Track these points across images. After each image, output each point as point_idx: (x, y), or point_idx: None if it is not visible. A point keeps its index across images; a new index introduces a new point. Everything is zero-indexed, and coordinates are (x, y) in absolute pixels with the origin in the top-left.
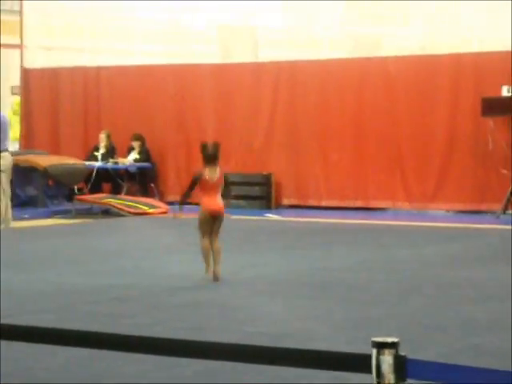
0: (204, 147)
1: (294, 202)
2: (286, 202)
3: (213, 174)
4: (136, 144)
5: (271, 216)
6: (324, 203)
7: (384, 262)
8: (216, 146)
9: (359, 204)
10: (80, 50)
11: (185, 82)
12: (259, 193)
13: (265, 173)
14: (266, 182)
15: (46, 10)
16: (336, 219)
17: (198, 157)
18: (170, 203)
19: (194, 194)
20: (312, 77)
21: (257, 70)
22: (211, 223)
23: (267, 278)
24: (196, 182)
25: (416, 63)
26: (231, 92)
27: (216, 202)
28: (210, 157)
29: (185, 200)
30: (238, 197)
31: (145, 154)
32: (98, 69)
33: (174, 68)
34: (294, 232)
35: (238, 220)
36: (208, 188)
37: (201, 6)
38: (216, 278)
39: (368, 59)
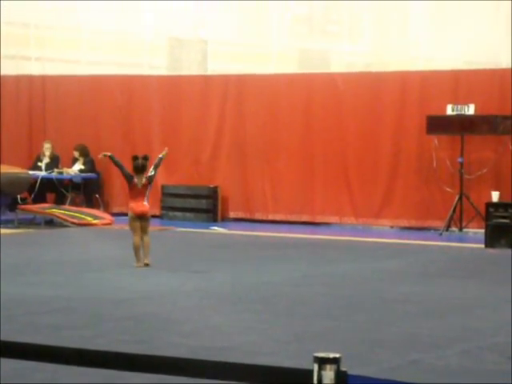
0: (134, 158)
1: (240, 215)
2: (232, 215)
3: (140, 181)
4: (77, 154)
5: (217, 229)
6: (270, 217)
7: (328, 277)
8: (146, 157)
9: (305, 218)
10: (26, 58)
11: (132, 93)
12: (205, 206)
13: (211, 186)
14: (212, 194)
15: None
16: (282, 233)
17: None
18: (115, 214)
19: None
20: (260, 91)
21: (205, 83)
22: (138, 222)
23: (211, 291)
24: (129, 181)
25: (363, 80)
26: (179, 104)
27: (141, 204)
28: (139, 168)
29: (115, 159)
30: (184, 209)
31: (90, 165)
32: (44, 77)
33: (121, 79)
34: (239, 245)
35: (183, 232)
36: (135, 193)
37: (150, 18)
38: (146, 265)
39: (316, 75)
